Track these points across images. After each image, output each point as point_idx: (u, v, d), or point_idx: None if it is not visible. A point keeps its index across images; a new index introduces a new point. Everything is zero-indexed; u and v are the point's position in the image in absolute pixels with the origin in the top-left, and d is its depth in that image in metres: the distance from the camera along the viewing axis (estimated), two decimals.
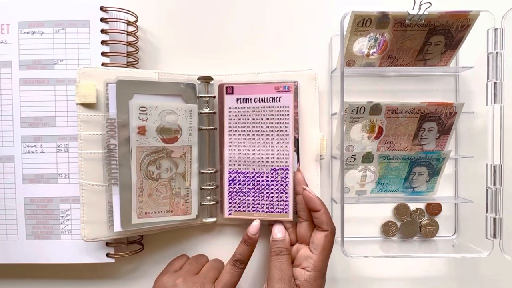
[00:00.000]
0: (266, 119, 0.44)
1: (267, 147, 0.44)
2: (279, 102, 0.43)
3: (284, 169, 0.43)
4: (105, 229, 0.43)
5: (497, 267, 0.49)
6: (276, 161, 0.43)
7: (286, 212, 0.43)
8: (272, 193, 0.44)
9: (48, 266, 0.47)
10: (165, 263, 0.49)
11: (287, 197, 0.43)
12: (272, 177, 0.44)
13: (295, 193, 0.43)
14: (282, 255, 0.41)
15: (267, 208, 0.44)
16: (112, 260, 0.45)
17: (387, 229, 0.49)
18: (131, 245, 0.47)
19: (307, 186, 0.43)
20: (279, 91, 0.43)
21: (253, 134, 0.44)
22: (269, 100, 0.43)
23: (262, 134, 0.44)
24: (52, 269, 0.48)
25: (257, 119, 0.44)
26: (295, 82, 0.44)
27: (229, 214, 0.45)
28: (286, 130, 0.43)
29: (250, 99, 0.44)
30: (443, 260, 0.50)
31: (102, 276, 0.49)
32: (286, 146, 0.43)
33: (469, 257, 0.46)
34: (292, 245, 0.44)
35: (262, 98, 0.43)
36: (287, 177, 0.43)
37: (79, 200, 0.42)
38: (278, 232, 0.43)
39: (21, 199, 0.45)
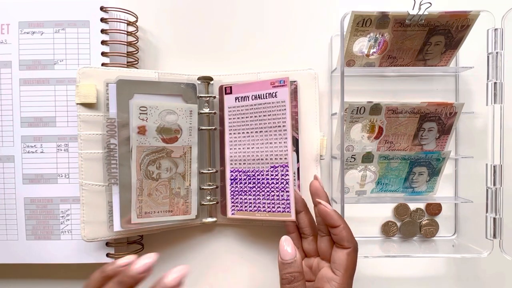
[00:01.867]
0: (264, 115, 0.43)
1: (266, 144, 0.43)
2: (275, 97, 0.42)
3: (284, 166, 0.43)
4: (105, 229, 0.43)
5: (497, 267, 0.49)
6: (275, 158, 0.43)
7: (288, 211, 0.43)
8: (273, 191, 0.43)
9: (48, 266, 0.47)
10: (165, 263, 0.49)
11: (288, 196, 0.42)
12: (272, 175, 0.43)
13: (314, 204, 0.41)
14: (295, 283, 0.35)
15: (268, 207, 0.43)
16: (112, 260, 0.45)
17: (387, 229, 0.49)
18: (131, 245, 0.47)
19: (326, 195, 0.40)
20: (274, 86, 0.42)
21: (251, 132, 0.44)
22: (266, 96, 0.43)
23: (261, 131, 0.43)
24: (52, 269, 0.48)
25: (255, 116, 0.44)
26: (294, 81, 0.44)
27: (232, 214, 0.45)
28: (283, 126, 0.42)
29: (248, 97, 0.44)
30: (443, 260, 0.50)
31: None
32: (284, 142, 0.42)
33: (469, 257, 0.46)
34: (312, 256, 0.41)
35: (259, 95, 0.43)
36: (287, 175, 0.43)
37: (79, 200, 0.42)
38: (287, 249, 0.35)
39: (21, 199, 0.45)
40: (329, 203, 0.40)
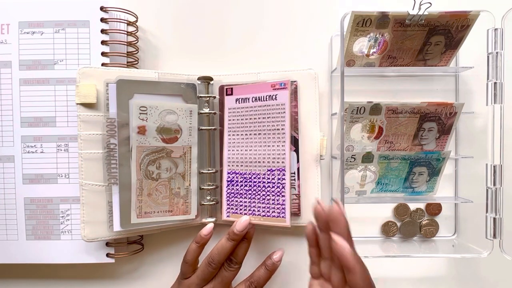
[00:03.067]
0: (263, 118, 0.43)
1: (264, 147, 0.43)
2: (275, 100, 0.42)
3: (281, 170, 0.42)
4: (105, 229, 0.43)
5: (497, 267, 0.49)
6: (273, 162, 0.43)
7: (283, 217, 0.42)
8: (269, 195, 0.43)
9: (48, 266, 0.47)
10: (165, 263, 0.49)
11: (284, 201, 0.42)
12: (269, 179, 0.43)
13: (320, 228, 0.36)
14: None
15: (263, 211, 0.43)
16: (112, 260, 0.45)
17: (387, 229, 0.49)
18: (131, 245, 0.47)
19: (347, 225, 0.33)
20: (275, 89, 0.42)
21: (250, 134, 0.44)
22: (266, 98, 0.43)
23: (259, 134, 0.43)
24: (52, 269, 0.48)
25: (255, 118, 0.43)
26: (294, 81, 0.44)
27: (227, 216, 0.45)
28: (282, 129, 0.42)
29: (248, 99, 0.43)
30: (443, 260, 0.50)
31: (102, 276, 0.49)
32: (282, 146, 0.42)
33: (469, 257, 0.46)
34: (327, 280, 0.36)
35: (259, 97, 0.43)
36: (284, 179, 0.42)
37: (79, 200, 0.42)
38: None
39: (21, 199, 0.45)
40: (350, 233, 0.34)
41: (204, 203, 0.46)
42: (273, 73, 0.46)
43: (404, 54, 0.45)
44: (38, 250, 0.45)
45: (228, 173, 0.45)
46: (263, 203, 0.43)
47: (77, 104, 0.42)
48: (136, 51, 0.47)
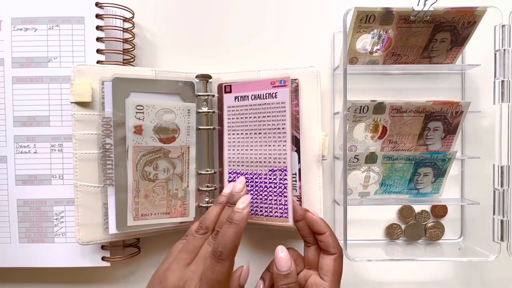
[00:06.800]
0: (263, 116, 0.42)
1: (265, 147, 0.42)
2: (275, 98, 0.41)
3: (282, 170, 0.41)
4: (101, 231, 0.42)
5: (504, 271, 0.48)
6: (274, 162, 0.42)
7: (285, 217, 0.41)
8: (271, 196, 0.42)
9: (42, 270, 0.46)
10: None
11: (286, 201, 0.41)
12: (270, 179, 0.42)
13: (295, 220, 0.41)
14: None
15: (266, 212, 0.42)
16: (107, 264, 0.44)
17: (391, 232, 0.48)
18: (127, 248, 0.46)
19: (323, 222, 0.40)
20: (274, 86, 0.41)
21: (250, 133, 0.43)
22: (265, 96, 0.42)
23: (259, 133, 0.42)
24: (45, 273, 0.47)
25: (254, 117, 0.42)
26: (296, 79, 0.43)
27: None
28: (283, 128, 0.41)
29: (247, 97, 0.43)
30: (449, 263, 0.49)
31: (98, 280, 0.48)
32: (283, 146, 0.41)
33: (476, 261, 0.46)
34: (298, 272, 0.41)
35: (258, 95, 0.42)
36: (285, 179, 0.41)
37: (73, 202, 0.42)
38: (285, 263, 0.36)
39: (14, 201, 0.44)
40: (327, 225, 0.40)
41: (202, 205, 0.45)
42: (274, 70, 0.45)
43: (409, 51, 0.45)
44: (31, 253, 0.44)
45: (229, 173, 0.44)
46: (265, 203, 0.42)
47: (72, 102, 0.41)
48: (133, 48, 0.46)
